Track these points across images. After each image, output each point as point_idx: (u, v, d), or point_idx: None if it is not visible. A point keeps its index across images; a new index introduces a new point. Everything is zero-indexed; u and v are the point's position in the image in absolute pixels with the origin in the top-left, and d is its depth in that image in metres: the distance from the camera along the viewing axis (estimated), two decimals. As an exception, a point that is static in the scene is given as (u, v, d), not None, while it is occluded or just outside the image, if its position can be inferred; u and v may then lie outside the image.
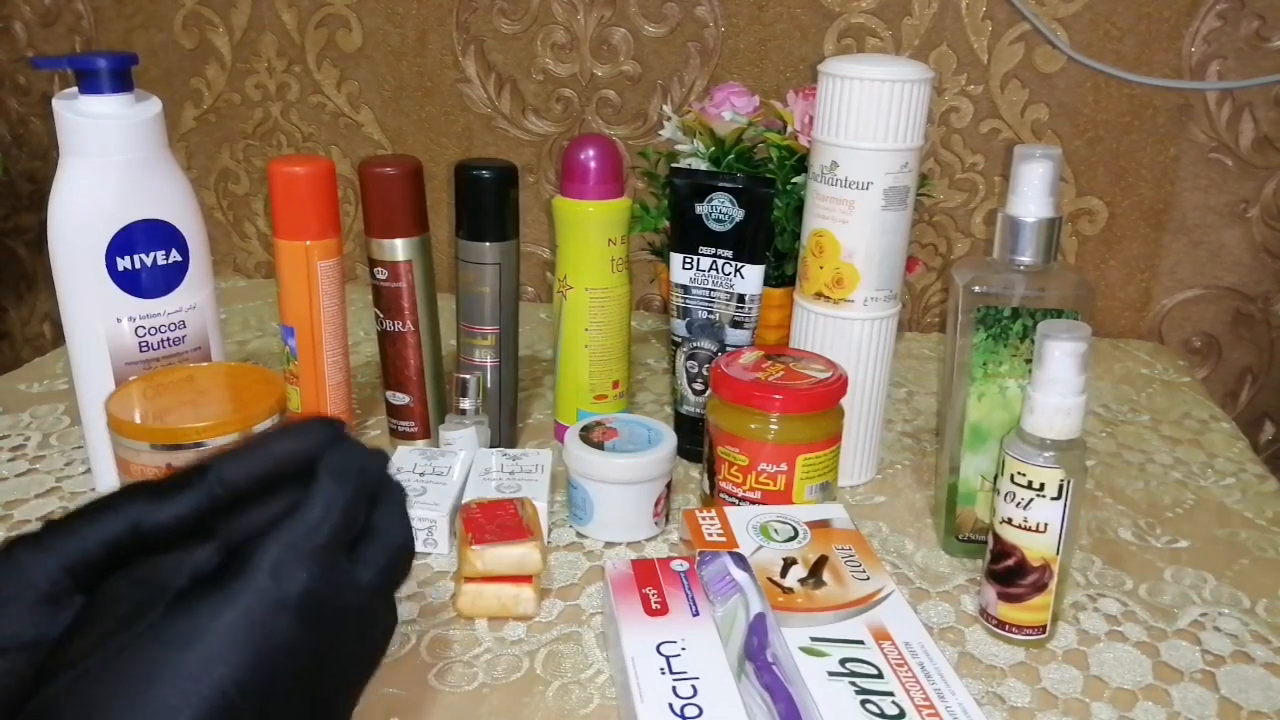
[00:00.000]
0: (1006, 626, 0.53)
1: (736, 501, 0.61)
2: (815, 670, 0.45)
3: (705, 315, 0.71)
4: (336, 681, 0.37)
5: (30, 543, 0.34)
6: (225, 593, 0.33)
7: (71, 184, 0.60)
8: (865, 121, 0.61)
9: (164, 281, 0.63)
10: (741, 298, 0.70)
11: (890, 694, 0.44)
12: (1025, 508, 0.51)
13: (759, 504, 0.60)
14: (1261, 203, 0.94)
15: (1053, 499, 0.50)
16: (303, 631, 0.34)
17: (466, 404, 0.69)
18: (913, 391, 0.87)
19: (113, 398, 0.58)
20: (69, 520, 0.35)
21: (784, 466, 0.60)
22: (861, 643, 0.47)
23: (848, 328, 0.66)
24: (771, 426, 0.59)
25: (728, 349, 0.71)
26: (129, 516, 0.35)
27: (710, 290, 0.71)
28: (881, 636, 0.48)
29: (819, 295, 0.67)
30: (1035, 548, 0.51)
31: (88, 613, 0.34)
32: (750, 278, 0.69)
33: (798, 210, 0.73)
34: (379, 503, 0.39)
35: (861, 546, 0.55)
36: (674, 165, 0.79)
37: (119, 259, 0.61)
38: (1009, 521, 0.52)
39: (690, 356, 0.72)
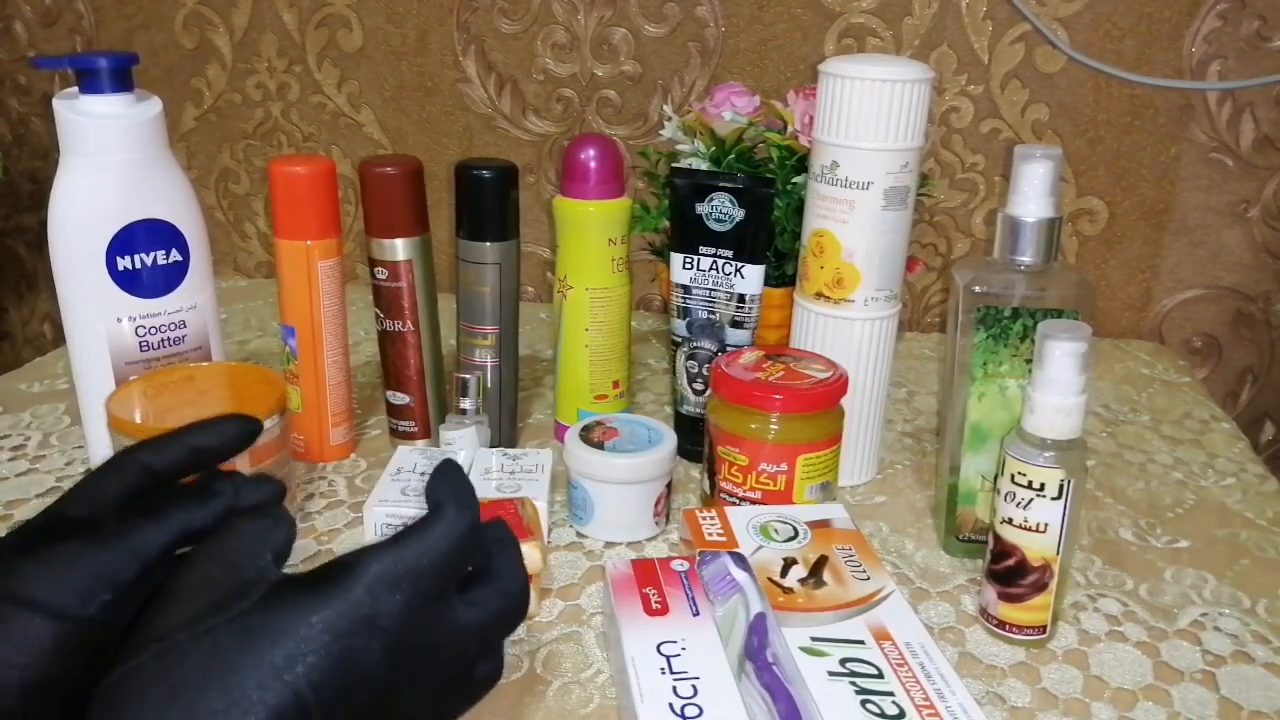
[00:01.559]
0: (1007, 626, 0.53)
1: (736, 501, 0.61)
2: (815, 670, 0.45)
3: (705, 315, 0.71)
4: (415, 715, 0.37)
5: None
6: (320, 597, 0.33)
7: (72, 184, 0.60)
8: (865, 121, 0.61)
9: (164, 281, 0.63)
10: (742, 298, 0.70)
11: (890, 694, 0.44)
12: (1025, 508, 0.51)
13: (759, 504, 0.60)
14: (1262, 203, 0.94)
15: (1053, 499, 0.50)
16: (386, 655, 0.34)
17: (467, 404, 0.69)
18: (913, 391, 0.87)
19: (113, 397, 0.58)
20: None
21: (784, 466, 0.60)
22: (862, 643, 0.47)
23: (848, 328, 0.66)
24: (772, 426, 0.59)
25: (728, 349, 0.71)
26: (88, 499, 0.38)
27: (710, 290, 0.71)
28: (882, 636, 0.48)
29: (819, 295, 0.67)
30: (1035, 548, 0.51)
31: (172, 589, 0.35)
32: (750, 278, 0.69)
33: (798, 210, 0.73)
34: (500, 549, 0.40)
35: (862, 546, 0.55)
36: (674, 165, 0.79)
37: (119, 259, 0.61)
38: (1009, 521, 0.52)
39: (690, 356, 0.72)
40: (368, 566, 0.34)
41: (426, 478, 0.40)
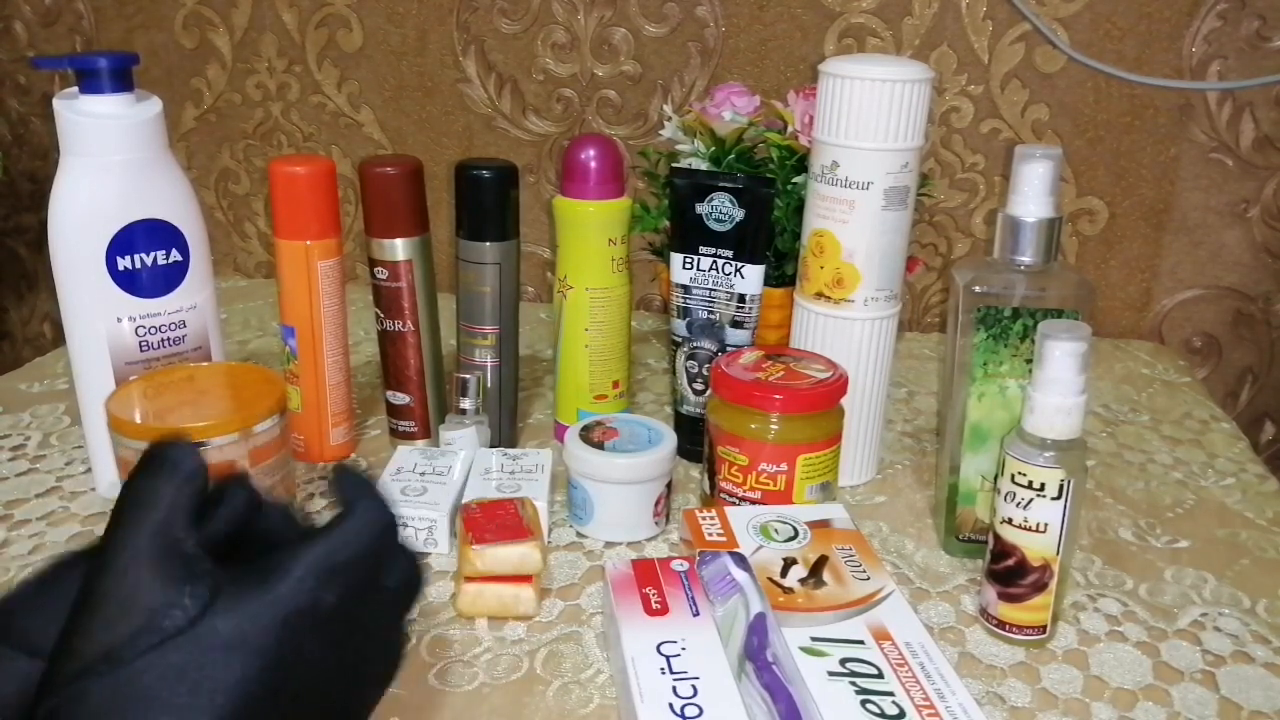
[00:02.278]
0: (1006, 626, 0.53)
1: (736, 501, 0.61)
2: (815, 670, 0.45)
3: (705, 315, 0.71)
4: (353, 691, 0.40)
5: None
6: (250, 596, 0.35)
7: (72, 184, 0.60)
8: (865, 121, 0.61)
9: (164, 281, 0.63)
10: (742, 298, 0.70)
11: (890, 694, 0.44)
12: (1025, 508, 0.51)
13: (759, 504, 0.60)
14: (1262, 203, 0.94)
15: (1053, 499, 0.50)
16: (322, 641, 0.37)
17: (466, 404, 0.69)
18: (913, 391, 0.87)
19: (113, 397, 0.58)
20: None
21: (784, 466, 0.60)
22: (862, 643, 0.47)
23: (848, 328, 0.66)
24: (771, 426, 0.59)
25: (728, 349, 0.71)
26: None
27: (710, 290, 0.71)
28: (882, 636, 0.48)
29: (819, 295, 0.67)
30: (1035, 548, 0.51)
31: (96, 600, 0.36)
32: (750, 277, 0.69)
33: (798, 210, 0.73)
34: (354, 493, 0.41)
35: (862, 546, 0.55)
36: (674, 165, 0.79)
37: (119, 259, 0.61)
38: (1009, 521, 0.52)
39: (690, 356, 0.72)
40: (297, 561, 0.36)
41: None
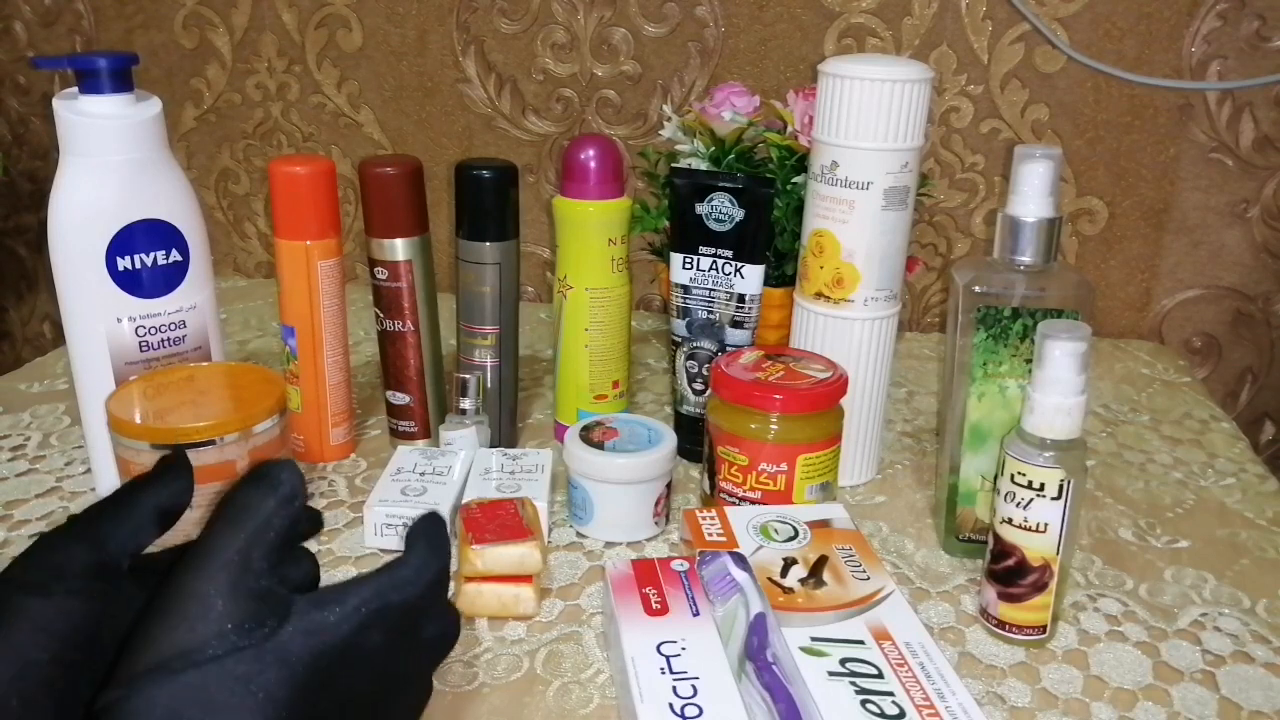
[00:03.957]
0: (1006, 626, 0.53)
1: (736, 501, 0.61)
2: (815, 670, 0.45)
3: (705, 315, 0.71)
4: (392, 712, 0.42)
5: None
6: (308, 622, 0.37)
7: (72, 184, 0.60)
8: (865, 121, 0.61)
9: (164, 281, 0.63)
10: (741, 298, 0.70)
11: (890, 694, 0.44)
12: (1025, 508, 0.51)
13: (759, 504, 0.60)
14: (1262, 203, 0.94)
15: (1053, 499, 0.50)
16: (357, 677, 0.38)
17: (466, 404, 0.69)
18: (913, 391, 0.87)
19: (113, 397, 0.58)
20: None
21: (784, 466, 0.60)
22: (862, 643, 0.47)
23: (848, 328, 0.66)
24: (771, 426, 0.59)
25: (728, 349, 0.71)
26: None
27: (710, 290, 0.71)
28: (882, 636, 0.48)
29: (819, 295, 0.67)
30: (1035, 548, 0.51)
31: (171, 605, 0.37)
32: (750, 278, 0.69)
33: (798, 210, 0.73)
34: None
35: (862, 546, 0.55)
36: (674, 165, 0.79)
37: (119, 259, 0.61)
38: (1009, 521, 0.52)
39: (690, 356, 0.72)
40: (351, 603, 0.38)
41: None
